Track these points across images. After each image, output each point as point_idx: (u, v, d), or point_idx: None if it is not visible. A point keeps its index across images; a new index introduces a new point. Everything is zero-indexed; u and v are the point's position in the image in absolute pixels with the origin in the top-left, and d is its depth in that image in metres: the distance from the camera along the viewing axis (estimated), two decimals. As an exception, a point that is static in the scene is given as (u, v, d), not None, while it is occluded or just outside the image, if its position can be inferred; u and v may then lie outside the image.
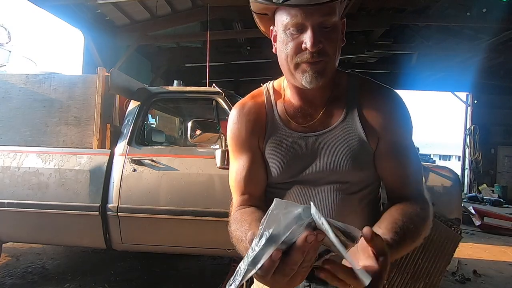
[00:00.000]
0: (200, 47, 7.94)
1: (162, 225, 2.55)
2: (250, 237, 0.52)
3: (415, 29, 7.89)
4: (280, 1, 0.73)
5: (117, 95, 2.84)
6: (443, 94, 11.55)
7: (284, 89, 0.89)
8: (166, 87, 2.98)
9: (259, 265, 0.48)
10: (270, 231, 0.47)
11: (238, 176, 0.87)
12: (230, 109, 2.64)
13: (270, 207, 0.50)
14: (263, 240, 0.47)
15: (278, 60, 0.81)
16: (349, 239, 0.52)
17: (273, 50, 0.83)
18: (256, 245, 0.48)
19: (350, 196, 0.82)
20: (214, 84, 2.90)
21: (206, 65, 4.03)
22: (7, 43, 5.00)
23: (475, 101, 10.63)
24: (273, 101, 0.89)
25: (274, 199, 0.51)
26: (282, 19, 0.75)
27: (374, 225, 0.78)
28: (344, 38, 0.83)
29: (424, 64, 8.81)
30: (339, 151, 0.81)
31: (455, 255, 2.41)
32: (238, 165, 0.87)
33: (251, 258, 0.48)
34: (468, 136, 10.69)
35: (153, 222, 2.54)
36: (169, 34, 7.36)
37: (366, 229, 0.53)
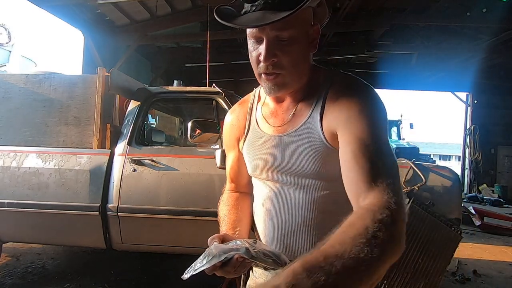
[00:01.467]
0: (200, 47, 7.94)
1: (162, 225, 2.55)
2: (210, 241, 0.81)
3: (415, 29, 7.88)
4: (230, 23, 0.74)
5: (117, 95, 2.84)
6: (443, 94, 11.54)
7: (262, 93, 0.94)
8: (166, 87, 2.99)
9: (206, 266, 0.75)
10: (217, 253, 0.74)
11: (228, 168, 1.03)
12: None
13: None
14: (211, 257, 0.75)
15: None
16: (279, 262, 0.75)
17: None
18: (206, 258, 0.75)
19: (321, 195, 0.81)
20: (214, 84, 2.90)
21: (206, 65, 4.03)
22: (7, 43, 5.01)
23: (475, 101, 10.62)
24: (255, 105, 0.95)
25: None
26: (247, 29, 0.77)
27: None
28: (317, 46, 0.81)
29: (424, 64, 8.80)
30: (301, 151, 0.81)
31: (455, 255, 2.41)
32: (228, 160, 1.02)
33: (202, 264, 0.75)
34: (468, 136, 10.68)
35: (153, 222, 2.54)
36: (169, 34, 7.36)
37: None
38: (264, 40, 0.74)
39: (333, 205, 0.81)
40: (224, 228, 0.93)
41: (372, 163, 0.68)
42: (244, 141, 0.93)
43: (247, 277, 0.99)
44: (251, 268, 0.97)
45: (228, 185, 1.05)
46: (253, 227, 0.97)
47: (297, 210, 0.83)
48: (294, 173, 0.83)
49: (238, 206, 0.97)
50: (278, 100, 0.88)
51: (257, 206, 0.93)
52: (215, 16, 0.77)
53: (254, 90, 0.99)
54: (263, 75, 0.79)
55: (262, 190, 0.90)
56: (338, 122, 0.75)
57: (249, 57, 0.81)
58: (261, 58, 0.75)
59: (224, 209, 0.99)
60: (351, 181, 0.69)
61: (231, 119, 0.99)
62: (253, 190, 0.96)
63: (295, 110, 0.85)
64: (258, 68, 0.79)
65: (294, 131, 0.83)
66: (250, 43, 0.78)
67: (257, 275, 0.94)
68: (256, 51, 0.77)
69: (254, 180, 0.95)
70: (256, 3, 0.73)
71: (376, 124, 0.73)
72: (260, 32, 0.74)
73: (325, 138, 0.78)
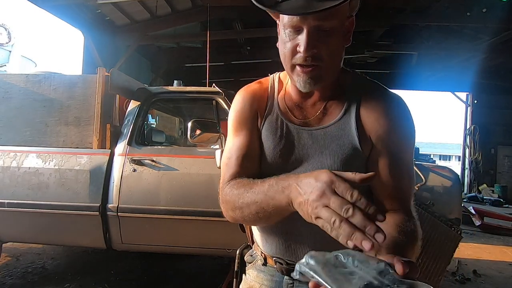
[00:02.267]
0: (200, 47, 7.94)
1: (162, 225, 2.55)
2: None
3: (415, 29, 7.88)
4: (272, 9, 0.70)
5: (117, 95, 2.84)
6: (443, 94, 11.54)
7: (287, 80, 0.88)
8: (166, 87, 2.99)
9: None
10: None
11: (235, 151, 0.84)
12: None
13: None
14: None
15: (282, 61, 0.80)
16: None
17: (277, 44, 0.81)
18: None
19: None
20: (214, 84, 2.90)
21: (206, 65, 4.03)
22: (7, 43, 5.01)
23: (475, 101, 10.62)
24: (276, 90, 0.88)
25: None
26: (282, 17, 0.74)
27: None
28: (351, 38, 0.79)
29: (424, 64, 8.80)
30: (328, 149, 0.79)
31: (455, 255, 2.41)
32: (237, 142, 0.84)
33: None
34: (468, 136, 10.68)
35: (153, 222, 2.54)
36: (169, 34, 7.36)
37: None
38: (305, 30, 0.70)
39: None
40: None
41: (406, 180, 0.79)
42: (263, 125, 0.85)
43: (239, 280, 0.97)
44: (244, 272, 0.95)
45: (233, 174, 0.84)
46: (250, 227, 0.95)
47: None
48: (311, 170, 0.78)
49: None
50: (304, 94, 0.83)
51: None
52: (254, 2, 0.71)
53: (270, 76, 0.93)
54: (298, 67, 0.74)
55: None
56: (375, 133, 0.78)
57: (281, 47, 0.76)
58: (300, 48, 0.71)
59: (250, 185, 0.75)
60: (386, 187, 0.77)
61: (250, 92, 0.88)
62: None
63: (324, 108, 0.82)
64: (294, 59, 0.74)
65: (323, 129, 0.81)
66: (286, 32, 0.74)
67: (251, 278, 0.91)
68: (293, 41, 0.73)
69: (263, 174, 0.87)
70: None
71: (411, 144, 0.80)
72: (301, 22, 0.70)
73: (359, 143, 0.78)
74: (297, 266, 0.51)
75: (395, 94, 0.83)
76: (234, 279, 1.01)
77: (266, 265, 0.90)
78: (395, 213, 0.75)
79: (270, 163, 0.83)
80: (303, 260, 0.51)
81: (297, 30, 0.72)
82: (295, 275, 0.52)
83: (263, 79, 0.93)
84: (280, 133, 0.83)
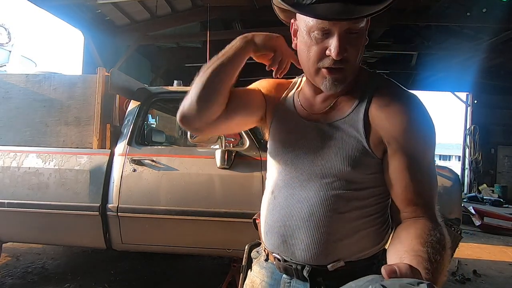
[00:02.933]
0: (200, 47, 7.94)
1: (162, 225, 2.55)
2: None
3: (415, 29, 7.88)
4: (306, 13, 0.70)
5: (117, 95, 2.84)
6: (443, 94, 11.54)
7: (302, 80, 0.92)
8: (166, 87, 2.99)
9: None
10: None
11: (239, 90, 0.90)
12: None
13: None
14: None
15: (298, 56, 0.80)
16: None
17: (293, 45, 0.82)
18: None
19: (336, 194, 0.77)
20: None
21: (206, 65, 4.02)
22: (7, 43, 5.01)
23: (475, 101, 10.62)
24: (295, 87, 0.93)
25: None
26: (307, 20, 0.72)
27: (358, 236, 0.78)
28: (367, 37, 0.78)
29: (424, 64, 8.81)
30: (332, 145, 0.79)
31: (455, 255, 2.41)
32: (243, 88, 0.92)
33: None
34: (468, 136, 10.68)
35: (153, 222, 2.54)
36: (169, 34, 7.36)
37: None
38: (336, 34, 0.69)
39: (344, 207, 0.77)
40: None
41: (428, 184, 0.75)
42: (273, 116, 0.90)
43: (245, 276, 0.98)
44: (250, 267, 0.97)
45: None
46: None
47: (307, 204, 0.78)
48: (315, 164, 0.80)
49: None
50: (317, 89, 0.83)
51: (266, 193, 0.89)
52: (284, 5, 0.73)
53: (297, 78, 0.95)
54: (323, 70, 0.74)
55: (275, 177, 0.86)
56: (388, 133, 0.75)
57: (303, 50, 0.76)
58: (332, 52, 0.70)
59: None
60: (407, 191, 0.74)
61: (277, 82, 0.95)
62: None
63: (333, 104, 0.82)
64: (321, 63, 0.73)
65: (329, 123, 0.81)
66: (312, 35, 0.72)
67: (254, 273, 0.93)
68: (321, 44, 0.72)
69: (269, 165, 0.91)
70: None
71: (430, 145, 0.76)
72: (331, 25, 0.69)
73: (367, 142, 0.76)
74: None
75: (409, 92, 0.80)
76: (241, 274, 1.02)
77: (267, 261, 0.90)
78: (418, 222, 0.70)
79: (280, 154, 0.86)
80: None
81: (325, 34, 0.71)
82: None
83: (290, 79, 0.97)
84: (290, 126, 0.87)
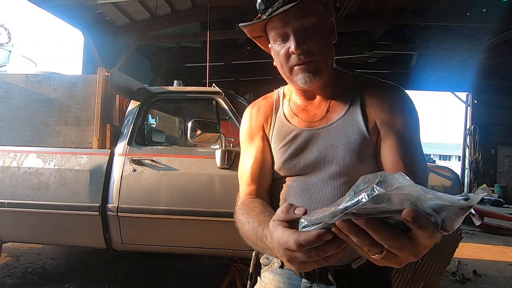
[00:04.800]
0: (200, 47, 7.94)
1: (162, 225, 2.55)
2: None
3: (415, 29, 7.88)
4: (258, 21, 0.81)
5: (117, 95, 2.84)
6: (443, 94, 11.54)
7: (290, 90, 0.95)
8: (166, 87, 2.98)
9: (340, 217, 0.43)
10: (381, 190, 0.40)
11: (247, 166, 0.91)
12: (230, 109, 2.66)
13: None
14: (366, 199, 0.41)
15: (280, 72, 0.87)
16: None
17: (273, 64, 0.89)
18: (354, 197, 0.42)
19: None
20: (214, 84, 2.90)
21: (206, 65, 4.03)
22: (7, 43, 5.00)
23: (475, 101, 10.62)
24: (281, 100, 0.95)
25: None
26: (271, 34, 0.83)
27: None
28: (336, 35, 0.86)
29: (424, 64, 8.81)
30: (337, 143, 0.82)
31: (455, 255, 2.41)
32: (247, 156, 0.93)
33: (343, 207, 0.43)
34: (468, 136, 10.68)
35: (153, 222, 2.54)
36: (169, 34, 7.36)
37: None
38: (291, 33, 0.79)
39: None
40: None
41: (418, 161, 0.79)
42: (271, 136, 0.91)
43: (254, 282, 0.97)
44: (259, 274, 0.95)
45: (246, 190, 0.89)
46: None
47: (324, 204, 0.80)
48: (327, 165, 0.82)
49: (267, 212, 0.77)
50: (308, 97, 0.90)
51: (277, 202, 0.87)
52: (243, 25, 0.84)
53: (275, 90, 1.00)
54: (295, 68, 0.81)
55: (287, 185, 0.87)
56: (380, 119, 0.82)
57: (277, 59, 0.84)
58: (292, 49, 0.78)
59: (252, 211, 0.78)
60: (400, 170, 0.74)
61: (256, 107, 0.97)
62: (269, 200, 0.89)
63: (328, 106, 0.87)
64: (289, 63, 0.81)
65: (330, 125, 0.84)
66: (276, 44, 0.82)
67: (266, 281, 0.90)
68: (285, 47, 0.80)
69: (276, 179, 0.90)
70: (277, 3, 0.79)
71: (417, 127, 0.83)
72: (285, 27, 0.79)
73: (367, 131, 0.81)
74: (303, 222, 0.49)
75: (393, 83, 0.88)
76: (248, 281, 1.00)
77: (283, 268, 0.88)
78: None
79: (284, 169, 0.87)
80: (305, 221, 0.49)
81: (285, 37, 0.80)
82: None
83: (268, 94, 1.00)
84: (288, 139, 0.87)
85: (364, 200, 0.41)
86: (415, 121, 0.84)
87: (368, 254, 0.49)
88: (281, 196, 0.88)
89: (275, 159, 0.89)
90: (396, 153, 0.79)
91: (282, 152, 0.87)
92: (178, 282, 3.13)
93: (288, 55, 0.80)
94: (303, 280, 0.84)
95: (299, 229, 0.50)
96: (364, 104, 0.84)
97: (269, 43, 0.88)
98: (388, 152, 0.80)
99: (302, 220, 0.50)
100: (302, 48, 0.78)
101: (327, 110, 0.86)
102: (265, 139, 0.92)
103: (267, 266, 0.93)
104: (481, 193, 0.42)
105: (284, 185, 0.88)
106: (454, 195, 0.42)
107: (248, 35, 0.89)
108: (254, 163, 0.90)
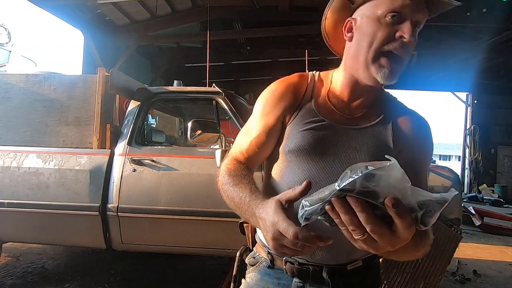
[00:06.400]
0: (200, 47, 7.94)
1: (162, 225, 2.55)
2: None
3: (415, 29, 7.88)
4: None
5: (117, 95, 2.84)
6: (443, 94, 11.55)
7: (331, 80, 0.88)
8: (166, 87, 2.98)
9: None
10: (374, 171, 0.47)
11: (248, 137, 0.88)
12: (230, 109, 2.66)
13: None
14: (359, 175, 0.47)
15: (350, 51, 0.80)
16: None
17: (347, 39, 0.81)
18: (349, 177, 0.48)
19: None
20: (214, 84, 2.90)
21: (206, 65, 4.02)
22: (7, 43, 5.00)
23: (475, 101, 10.63)
24: (315, 85, 0.89)
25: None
26: (379, 5, 0.73)
27: None
28: None
29: (424, 64, 8.81)
30: (365, 148, 0.81)
31: (455, 255, 2.41)
32: (253, 128, 0.87)
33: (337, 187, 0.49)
34: (468, 136, 10.69)
35: (153, 222, 2.54)
36: (169, 34, 7.36)
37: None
38: (408, 19, 0.71)
39: None
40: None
41: (422, 185, 0.81)
42: (293, 119, 0.85)
43: (238, 284, 0.93)
44: (243, 276, 0.91)
45: (237, 154, 0.89)
46: None
47: None
48: (344, 166, 0.74)
49: (252, 185, 0.78)
50: (354, 94, 0.84)
51: (279, 190, 0.81)
52: None
53: (310, 72, 0.92)
54: (383, 60, 0.73)
55: (294, 174, 0.82)
56: (404, 144, 0.84)
57: (368, 36, 0.74)
58: (406, 33, 0.70)
59: (236, 179, 0.80)
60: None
61: (286, 88, 0.87)
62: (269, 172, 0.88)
63: (364, 111, 0.86)
64: (387, 46, 0.73)
65: (360, 129, 0.84)
66: (380, 21, 0.73)
67: (253, 282, 0.87)
68: (392, 28, 0.72)
69: (282, 162, 0.85)
70: None
71: (430, 159, 0.90)
72: (411, 10, 0.71)
73: (393, 145, 0.83)
74: (301, 212, 0.54)
75: (421, 115, 0.91)
76: (232, 284, 0.96)
77: (273, 268, 0.85)
78: None
79: (300, 153, 0.81)
80: (306, 202, 0.53)
81: (398, 18, 0.71)
82: (301, 220, 0.54)
83: (303, 74, 0.92)
84: (312, 126, 0.82)
85: (355, 176, 0.46)
86: (431, 155, 0.89)
87: (351, 235, 0.53)
88: (284, 183, 0.84)
89: (289, 140, 0.83)
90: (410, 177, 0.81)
91: (301, 136, 0.81)
92: (178, 282, 3.13)
93: (390, 37, 0.72)
94: (295, 279, 0.81)
95: (300, 209, 0.54)
96: (395, 122, 0.86)
97: (347, 15, 0.80)
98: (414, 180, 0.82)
99: (304, 202, 0.53)
100: (413, 40, 0.71)
101: (363, 115, 0.85)
102: (280, 121, 0.85)
103: (253, 266, 0.89)
104: (454, 192, 0.49)
105: (289, 171, 0.83)
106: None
107: (329, 12, 0.82)
108: (255, 139, 0.86)
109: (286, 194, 0.61)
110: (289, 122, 0.85)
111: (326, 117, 0.83)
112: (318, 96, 0.87)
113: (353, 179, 0.47)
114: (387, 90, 0.92)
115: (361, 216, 0.50)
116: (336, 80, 0.87)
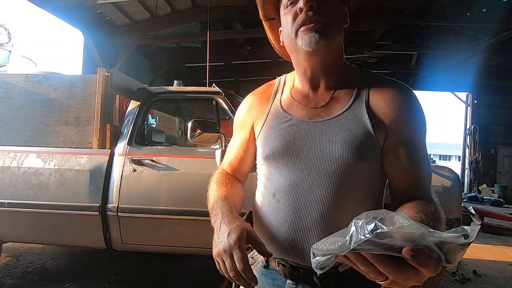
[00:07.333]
0: (200, 47, 7.95)
1: (162, 225, 2.55)
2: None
3: (415, 29, 7.89)
4: None
5: (117, 95, 2.84)
6: (443, 94, 11.55)
7: (293, 77, 0.91)
8: (166, 87, 2.98)
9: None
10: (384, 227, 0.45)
11: (231, 152, 0.98)
12: (230, 109, 2.66)
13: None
14: (370, 236, 0.45)
15: (286, 45, 0.84)
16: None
17: (281, 43, 0.87)
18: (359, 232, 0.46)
19: (343, 191, 0.76)
20: (214, 84, 2.90)
21: (206, 65, 4.03)
22: (7, 43, 5.00)
23: (475, 101, 10.63)
24: (280, 88, 0.92)
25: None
26: (282, 2, 0.81)
27: None
28: (348, 20, 0.83)
29: (424, 64, 8.81)
30: (339, 139, 0.77)
31: (455, 255, 2.41)
32: (233, 143, 0.98)
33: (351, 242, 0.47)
34: (468, 136, 10.69)
35: (153, 222, 2.54)
36: (169, 34, 7.36)
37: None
38: None
39: (352, 203, 0.77)
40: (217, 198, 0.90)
41: (424, 165, 0.78)
42: (263, 125, 0.87)
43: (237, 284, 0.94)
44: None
45: (227, 165, 1.00)
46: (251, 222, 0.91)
47: (318, 205, 0.76)
48: (322, 162, 0.77)
49: (234, 189, 0.92)
50: (312, 83, 0.84)
51: (265, 198, 0.85)
52: None
53: (278, 78, 0.95)
54: (301, 30, 0.75)
55: (275, 179, 0.82)
56: (388, 120, 0.78)
57: (284, 31, 0.81)
58: (300, 4, 0.75)
59: (218, 186, 0.94)
60: (406, 173, 0.77)
61: (252, 99, 0.94)
62: (258, 181, 0.90)
63: (332, 96, 0.83)
64: (296, 23, 0.76)
65: (331, 119, 0.80)
66: (286, 10, 0.79)
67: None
68: (293, 9, 0.77)
69: (264, 169, 0.87)
70: None
71: (423, 130, 0.80)
72: None
73: (373, 130, 0.77)
74: (315, 261, 0.52)
75: (402, 83, 0.84)
76: (233, 283, 0.94)
77: (268, 268, 0.86)
78: (420, 201, 0.72)
79: (271, 158, 0.83)
80: (317, 251, 0.52)
81: (294, 3, 0.78)
82: (316, 270, 0.53)
83: (271, 81, 0.97)
84: (282, 127, 0.83)
85: (368, 236, 0.45)
86: (424, 126, 0.80)
87: (374, 280, 0.52)
88: (264, 187, 0.86)
89: (263, 147, 0.85)
90: (407, 163, 0.77)
91: (273, 140, 0.83)
92: (178, 282, 3.13)
93: (295, 16, 0.76)
94: (288, 280, 0.82)
95: (312, 259, 0.53)
96: (370, 101, 0.80)
97: (279, 27, 0.86)
98: (395, 157, 0.77)
99: (314, 250, 0.53)
100: (310, 4, 0.74)
101: (331, 99, 0.82)
102: (251, 127, 0.92)
103: (251, 266, 0.91)
104: (477, 225, 0.46)
105: (270, 175, 0.84)
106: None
107: (260, 13, 0.88)
108: (238, 151, 0.96)
109: (255, 237, 0.71)
110: (261, 130, 0.88)
111: (294, 115, 0.84)
112: (284, 97, 0.89)
113: (364, 239, 0.45)
114: (362, 68, 0.89)
115: (380, 267, 0.48)
116: (296, 77, 0.89)
